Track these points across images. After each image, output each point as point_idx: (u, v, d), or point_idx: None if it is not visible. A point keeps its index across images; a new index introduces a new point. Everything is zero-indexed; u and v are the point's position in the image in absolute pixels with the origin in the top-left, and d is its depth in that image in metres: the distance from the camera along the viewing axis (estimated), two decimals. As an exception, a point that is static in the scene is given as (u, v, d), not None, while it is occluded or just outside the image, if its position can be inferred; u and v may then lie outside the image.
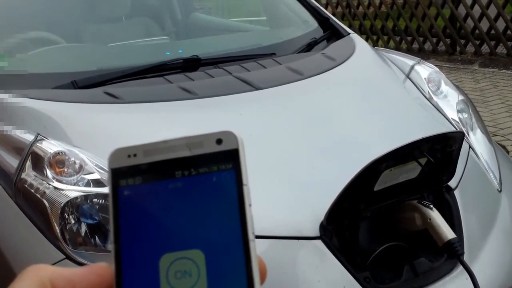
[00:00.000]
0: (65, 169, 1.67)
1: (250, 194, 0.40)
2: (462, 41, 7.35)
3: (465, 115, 2.32)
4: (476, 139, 2.23)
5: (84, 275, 0.39)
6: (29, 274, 0.39)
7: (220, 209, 0.40)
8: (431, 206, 1.68)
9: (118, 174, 0.41)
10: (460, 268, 1.68)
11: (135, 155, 0.41)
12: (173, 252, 0.39)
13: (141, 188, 0.41)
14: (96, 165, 1.68)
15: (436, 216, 1.66)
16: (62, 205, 1.61)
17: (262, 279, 0.39)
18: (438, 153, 1.68)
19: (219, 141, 0.41)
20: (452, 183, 1.84)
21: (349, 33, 2.70)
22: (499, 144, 2.68)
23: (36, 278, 0.39)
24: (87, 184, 1.66)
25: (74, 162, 1.68)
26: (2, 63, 2.20)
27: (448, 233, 1.63)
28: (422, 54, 7.18)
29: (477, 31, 7.14)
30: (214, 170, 0.40)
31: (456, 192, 1.87)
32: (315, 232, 1.61)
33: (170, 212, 0.40)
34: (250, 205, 0.40)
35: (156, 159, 0.41)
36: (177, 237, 0.39)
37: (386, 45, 7.92)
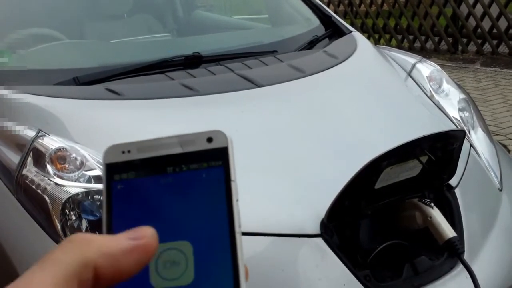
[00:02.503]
0: (66, 165, 1.67)
1: (237, 189, 0.42)
2: (464, 40, 7.34)
3: (466, 114, 2.32)
4: (477, 138, 2.23)
5: (130, 252, 0.38)
6: (73, 248, 0.36)
7: (209, 203, 0.41)
8: (432, 204, 1.68)
9: (112, 169, 0.43)
10: (461, 266, 1.68)
11: (129, 151, 0.43)
12: (163, 243, 0.40)
13: (134, 183, 0.42)
14: (97, 162, 1.68)
15: (436, 214, 1.66)
16: (63, 201, 1.61)
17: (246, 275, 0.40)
18: (439, 152, 1.67)
19: (209, 140, 0.43)
20: (453, 181, 1.84)
21: (351, 31, 2.70)
22: (500, 143, 2.68)
23: (79, 255, 0.36)
24: (88, 180, 1.66)
25: (76, 158, 1.68)
26: (4, 59, 2.20)
27: (449, 231, 1.63)
28: (424, 53, 7.17)
29: (479, 30, 7.14)
30: (204, 167, 0.42)
31: (457, 191, 1.87)
32: (316, 229, 1.61)
33: (161, 205, 0.42)
34: (237, 200, 0.41)
35: (149, 155, 0.43)
36: (167, 229, 0.41)
37: (387, 44, 7.91)
